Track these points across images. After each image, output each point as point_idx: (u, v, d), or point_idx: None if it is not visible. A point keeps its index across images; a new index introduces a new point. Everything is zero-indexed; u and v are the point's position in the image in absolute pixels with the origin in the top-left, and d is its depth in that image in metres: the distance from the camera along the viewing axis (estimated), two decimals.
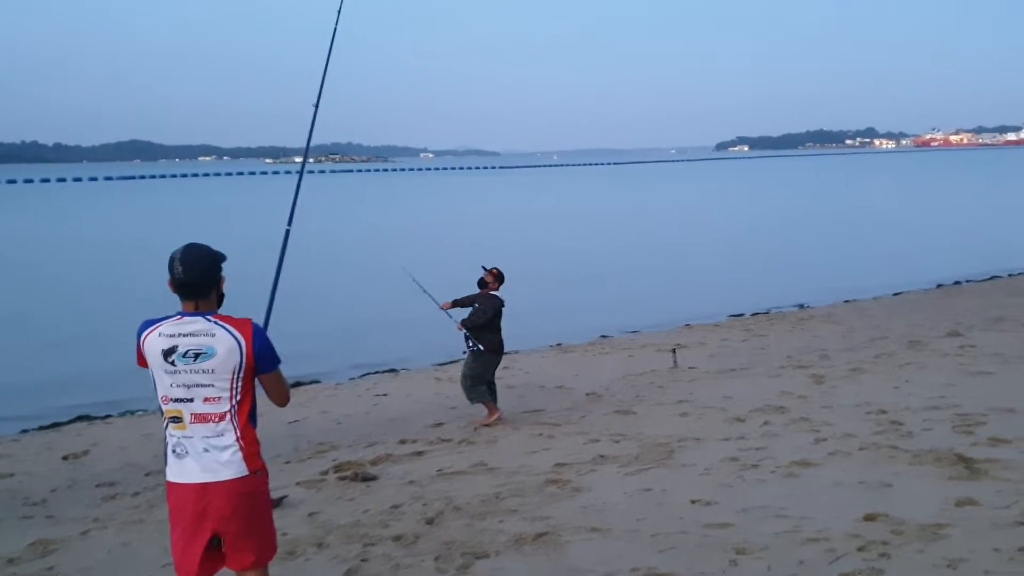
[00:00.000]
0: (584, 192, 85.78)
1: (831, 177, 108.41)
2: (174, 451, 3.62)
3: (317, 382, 13.64)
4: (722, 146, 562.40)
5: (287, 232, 7.02)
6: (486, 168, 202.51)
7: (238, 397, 3.59)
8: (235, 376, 3.55)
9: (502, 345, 9.56)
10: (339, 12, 7.91)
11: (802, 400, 9.15)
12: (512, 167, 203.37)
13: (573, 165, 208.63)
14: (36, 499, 7.76)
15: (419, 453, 8.14)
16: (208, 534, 3.55)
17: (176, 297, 3.64)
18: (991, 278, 22.74)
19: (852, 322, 15.90)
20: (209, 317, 3.57)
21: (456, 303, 9.54)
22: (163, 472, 3.72)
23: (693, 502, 5.98)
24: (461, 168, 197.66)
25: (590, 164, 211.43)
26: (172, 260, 3.56)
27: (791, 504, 5.80)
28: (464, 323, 9.34)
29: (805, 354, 12.36)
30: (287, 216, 7.29)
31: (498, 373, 12.62)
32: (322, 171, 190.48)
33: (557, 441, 8.19)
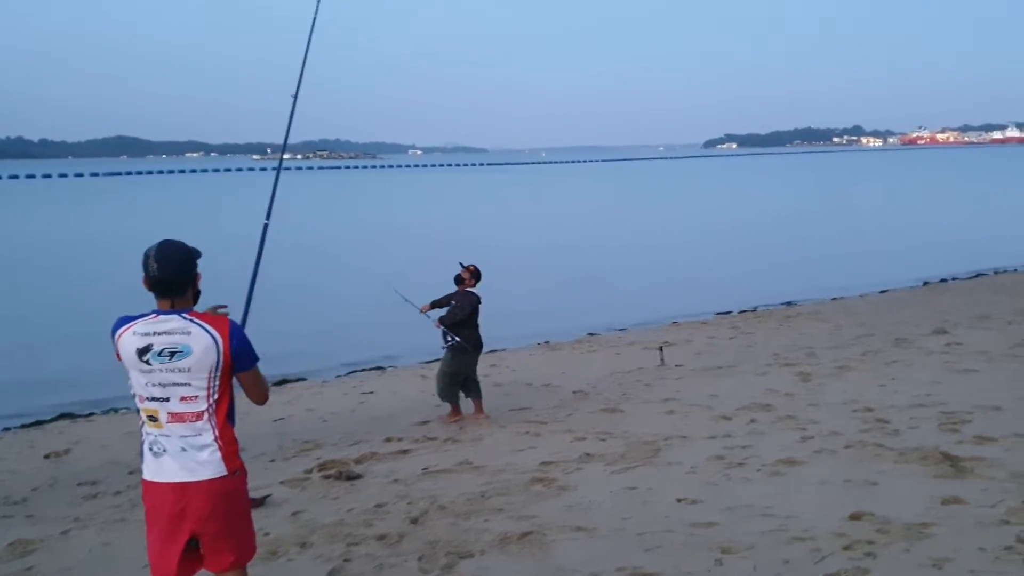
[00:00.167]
0: (572, 190, 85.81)
1: (818, 175, 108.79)
2: (151, 449, 3.55)
3: (303, 379, 13.58)
4: (710, 143, 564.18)
5: (265, 226, 6.95)
6: (474, 165, 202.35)
7: (215, 396, 3.52)
8: (212, 375, 3.49)
9: (480, 341, 9.56)
10: (318, 4, 7.85)
11: (788, 398, 9.13)
12: (500, 164, 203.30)
13: (561, 162, 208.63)
14: (17, 498, 7.68)
15: (404, 451, 8.09)
16: (186, 535, 3.49)
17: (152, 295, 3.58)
18: (977, 275, 22.85)
19: (839, 320, 15.93)
20: (185, 315, 3.51)
21: (435, 304, 9.56)
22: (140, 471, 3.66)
23: (679, 501, 5.95)
24: (449, 165, 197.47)
25: (578, 161, 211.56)
26: (146, 258, 3.49)
27: (777, 503, 5.77)
28: (442, 320, 9.36)
29: (792, 352, 12.36)
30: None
31: (485, 371, 12.62)
32: (310, 167, 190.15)
33: (543, 439, 8.15)
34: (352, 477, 7.19)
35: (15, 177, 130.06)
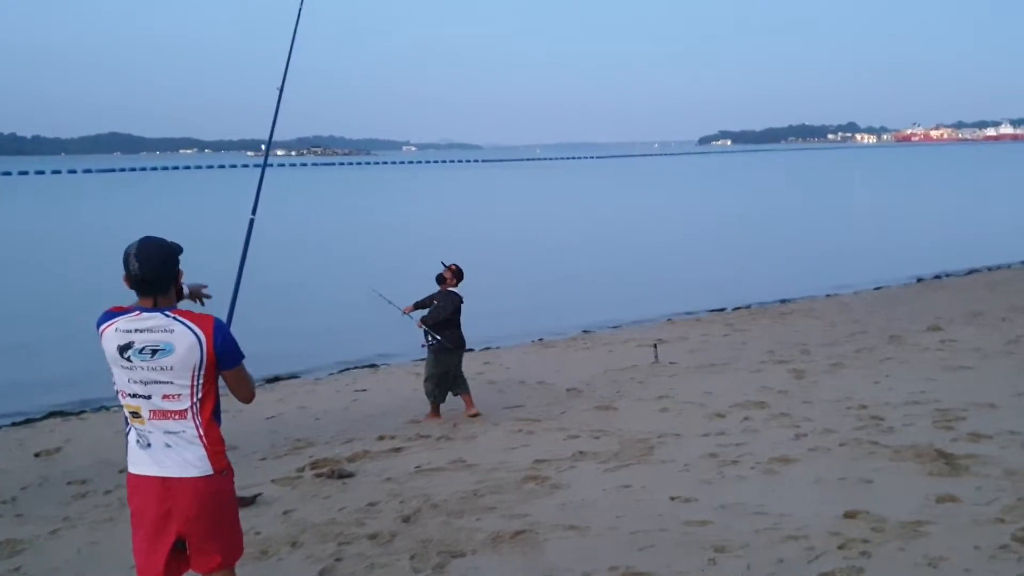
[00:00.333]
0: (566, 186, 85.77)
1: (813, 172, 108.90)
2: (137, 442, 3.51)
3: (296, 377, 13.53)
4: (705, 140, 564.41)
5: (251, 221, 6.89)
6: (468, 161, 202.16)
7: (199, 395, 3.47)
8: (196, 373, 3.44)
9: (463, 340, 9.56)
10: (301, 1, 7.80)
11: (782, 395, 9.11)
12: (494, 160, 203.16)
13: (555, 159, 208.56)
14: (6, 497, 7.62)
15: (397, 449, 8.05)
16: (172, 537, 3.44)
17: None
18: (971, 272, 22.87)
19: (833, 317, 15.93)
20: (167, 313, 3.45)
21: (417, 305, 9.56)
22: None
23: (672, 499, 5.92)
24: (443, 161, 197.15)
25: (573, 158, 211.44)
26: (127, 256, 3.43)
27: (771, 501, 5.74)
28: (424, 321, 9.35)
29: (786, 349, 12.35)
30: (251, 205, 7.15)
31: (479, 368, 12.61)
32: (303, 164, 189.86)
33: (537, 437, 8.11)
34: (344, 475, 7.14)
35: (7, 174, 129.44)
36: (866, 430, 7.39)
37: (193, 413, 3.47)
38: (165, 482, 3.45)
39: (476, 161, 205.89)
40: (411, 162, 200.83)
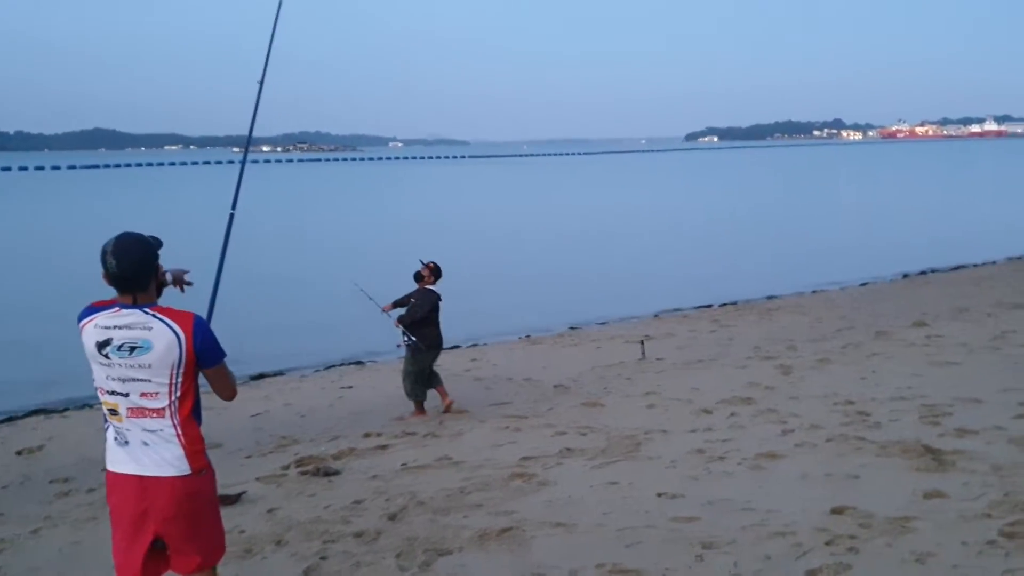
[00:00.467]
0: (554, 183, 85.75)
1: (799, 168, 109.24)
2: (115, 439, 3.46)
3: (281, 374, 13.47)
4: (692, 136, 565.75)
5: (231, 216, 6.82)
6: (455, 158, 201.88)
7: (178, 393, 3.41)
8: (174, 371, 3.38)
9: (440, 339, 9.52)
10: None
11: (769, 391, 9.10)
12: (482, 157, 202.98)
13: (543, 155, 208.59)
14: None
15: (383, 447, 8.00)
16: (150, 536, 3.39)
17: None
18: (956, 268, 22.97)
19: (819, 312, 15.95)
20: (147, 309, 3.39)
21: (396, 303, 9.51)
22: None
23: (659, 495, 5.89)
24: (430, 158, 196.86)
25: (560, 154, 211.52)
26: (104, 253, 3.36)
27: (758, 497, 5.73)
28: (401, 320, 9.30)
29: (772, 345, 12.35)
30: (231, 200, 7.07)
31: (466, 365, 12.59)
32: (289, 160, 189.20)
33: (524, 434, 8.08)
34: (330, 473, 7.09)
35: None
36: (853, 426, 7.38)
37: (171, 412, 3.41)
38: (142, 481, 3.40)
39: (463, 157, 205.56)
40: (397, 158, 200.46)
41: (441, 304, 9.48)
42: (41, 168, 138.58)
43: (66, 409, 11.59)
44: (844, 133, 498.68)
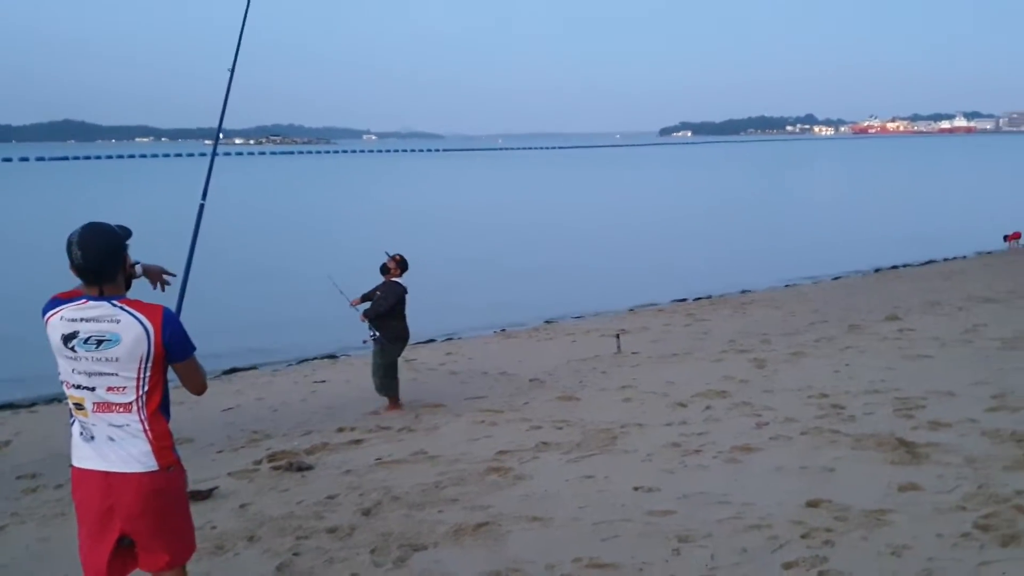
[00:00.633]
0: (528, 177, 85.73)
1: (772, 163, 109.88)
2: (81, 434, 3.37)
3: (254, 368, 13.33)
4: (666, 131, 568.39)
5: (201, 206, 6.71)
6: (430, 151, 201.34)
7: (146, 387, 3.32)
8: (143, 365, 3.29)
9: (407, 332, 9.45)
10: None
11: (744, 384, 9.12)
12: (456, 150, 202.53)
13: (518, 149, 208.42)
14: None
15: (357, 441, 7.92)
16: (115, 534, 3.30)
17: None
18: (928, 262, 23.18)
19: (792, 306, 16.03)
20: (115, 302, 3.29)
21: (364, 297, 9.43)
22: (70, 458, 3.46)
23: (636, 489, 5.87)
24: (404, 151, 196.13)
25: (535, 148, 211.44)
26: (69, 244, 3.25)
27: (733, 490, 5.72)
28: (367, 314, 9.22)
29: (746, 338, 12.39)
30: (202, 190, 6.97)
31: (441, 359, 12.54)
32: (262, 152, 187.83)
33: (499, 428, 8.04)
34: (303, 468, 7.01)
35: None
36: (827, 419, 7.40)
37: (139, 407, 3.32)
38: (108, 477, 3.31)
39: (438, 151, 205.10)
40: (371, 151, 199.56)
41: (408, 297, 9.40)
42: (9, 160, 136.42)
43: (34, 404, 11.42)
44: (816, 129, 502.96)
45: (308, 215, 42.62)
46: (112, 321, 3.26)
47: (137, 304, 3.32)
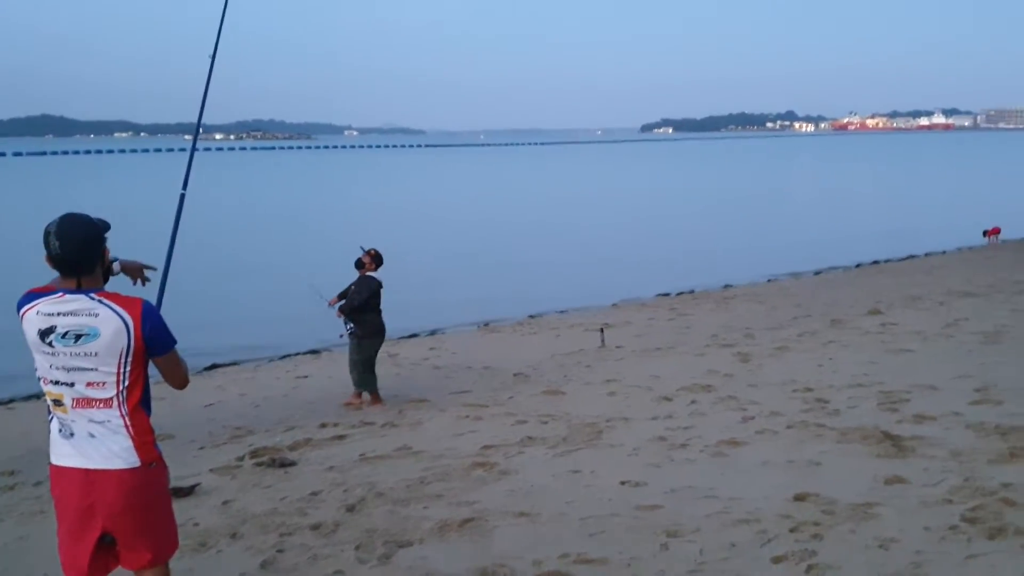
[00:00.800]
0: (511, 172, 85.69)
1: (753, 159, 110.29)
2: (60, 431, 3.30)
3: (236, 363, 13.21)
4: (647, 128, 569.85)
5: (182, 196, 6.62)
6: (412, 147, 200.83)
7: (126, 382, 3.25)
8: (122, 360, 3.21)
9: (383, 327, 9.40)
10: None
11: (728, 378, 9.12)
12: (438, 146, 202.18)
13: (500, 145, 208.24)
14: None
15: (340, 437, 7.85)
16: (97, 532, 3.23)
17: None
18: (908, 257, 23.31)
19: (775, 301, 16.06)
20: (93, 295, 3.22)
21: (341, 295, 9.37)
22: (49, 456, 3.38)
23: (622, 484, 5.84)
24: (386, 146, 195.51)
25: (516, 144, 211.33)
26: (47, 234, 3.17)
27: (720, 484, 5.70)
28: (342, 308, 9.17)
29: (730, 332, 12.39)
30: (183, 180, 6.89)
31: (424, 354, 12.47)
32: (243, 148, 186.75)
33: (484, 423, 7.99)
34: (286, 464, 6.93)
35: None
36: (812, 413, 7.41)
37: (119, 402, 3.25)
38: (88, 474, 3.23)
39: (419, 146, 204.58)
40: (353, 147, 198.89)
41: (383, 292, 9.35)
42: None
43: (12, 400, 11.27)
44: (797, 125, 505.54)
45: (289, 211, 42.37)
46: (90, 315, 3.18)
47: (116, 297, 3.24)
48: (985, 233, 25.89)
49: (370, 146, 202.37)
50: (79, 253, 3.19)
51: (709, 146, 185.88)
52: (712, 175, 74.55)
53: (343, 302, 9.31)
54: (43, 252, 3.21)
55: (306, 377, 11.44)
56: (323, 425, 8.41)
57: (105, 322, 3.18)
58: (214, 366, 12.84)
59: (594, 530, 5.05)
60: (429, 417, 8.45)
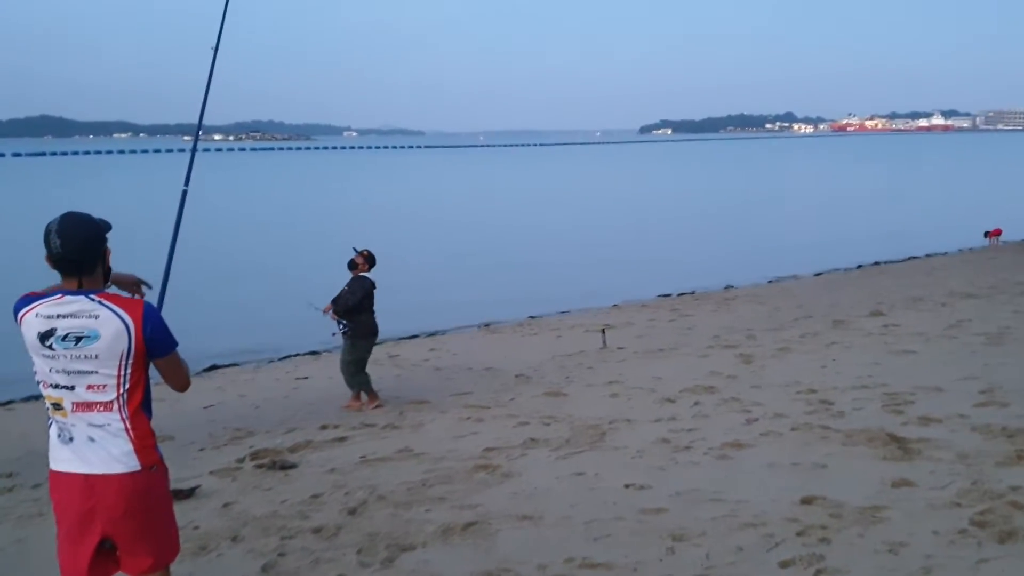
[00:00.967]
0: (510, 173, 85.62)
1: (752, 160, 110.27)
2: (59, 436, 3.23)
3: (235, 364, 13.15)
4: (646, 129, 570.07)
5: (184, 193, 6.56)
6: (411, 148, 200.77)
7: (127, 385, 3.19)
8: (123, 362, 3.15)
9: (376, 327, 9.37)
10: None
11: (731, 380, 9.06)
12: (438, 147, 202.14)
13: (500, 146, 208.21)
14: None
15: (341, 439, 7.80)
16: (97, 536, 3.17)
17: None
18: (909, 258, 23.25)
19: (776, 302, 16.00)
20: (93, 296, 3.16)
21: (334, 301, 9.32)
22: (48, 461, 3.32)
23: (627, 487, 5.79)
24: (385, 147, 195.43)
25: (516, 145, 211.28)
26: (48, 232, 3.12)
27: (726, 487, 5.65)
28: (337, 310, 9.13)
29: (732, 334, 12.33)
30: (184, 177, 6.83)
31: (424, 355, 12.41)
32: (242, 149, 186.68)
33: (486, 425, 7.94)
34: (286, 466, 6.88)
35: None
36: (817, 414, 7.36)
37: (120, 405, 3.19)
38: (88, 479, 3.17)
39: (418, 147, 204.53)
40: (352, 147, 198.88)
41: (376, 292, 9.31)
42: None
43: (11, 401, 11.19)
44: (796, 126, 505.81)
45: (289, 212, 42.33)
46: (91, 316, 3.12)
47: (116, 299, 3.19)
48: (986, 234, 25.85)
49: (369, 147, 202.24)
50: (80, 252, 3.14)
51: (708, 147, 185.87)
52: (711, 176, 74.50)
53: (335, 305, 9.28)
54: (43, 252, 3.15)
55: (306, 378, 11.38)
56: (324, 427, 8.36)
57: (105, 324, 3.12)
58: (214, 367, 12.78)
59: (599, 534, 5.00)
60: (430, 419, 8.39)
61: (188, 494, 6.18)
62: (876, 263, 22.56)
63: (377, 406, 9.17)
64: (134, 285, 3.73)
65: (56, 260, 3.15)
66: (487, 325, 15.43)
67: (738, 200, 46.40)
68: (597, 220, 36.10)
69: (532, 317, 16.22)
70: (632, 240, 29.12)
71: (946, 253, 24.15)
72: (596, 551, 4.75)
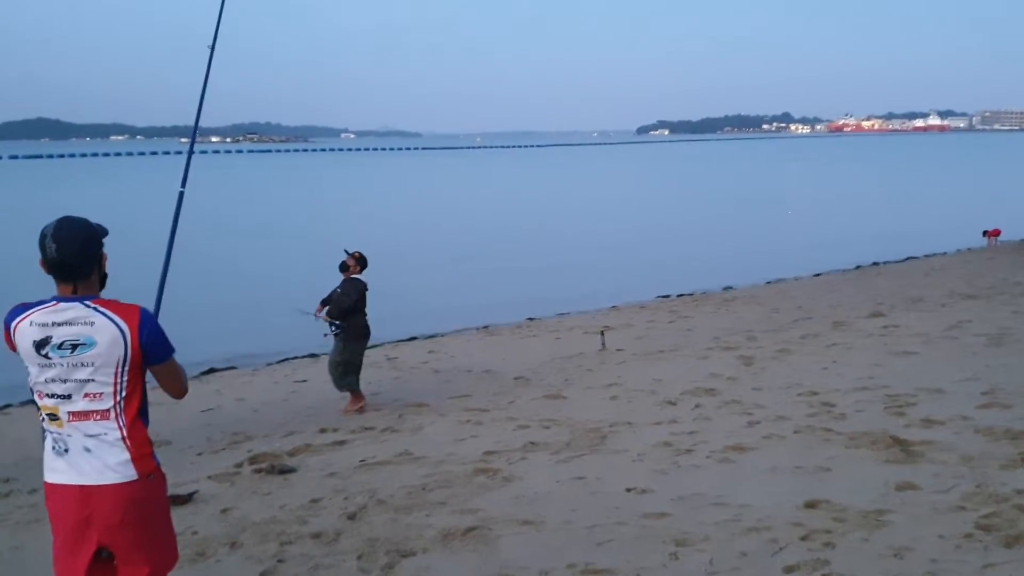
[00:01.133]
0: (508, 175, 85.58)
1: (749, 161, 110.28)
2: (53, 448, 3.18)
3: (233, 368, 13.09)
4: (643, 130, 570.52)
5: (180, 194, 6.52)
6: (408, 149, 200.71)
7: (124, 392, 3.13)
8: (119, 369, 3.10)
9: (368, 329, 9.34)
10: None
11: (732, 382, 9.02)
12: (435, 148, 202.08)
13: (497, 147, 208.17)
14: None
15: (340, 443, 7.75)
16: (93, 546, 3.11)
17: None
18: (908, 259, 23.23)
19: (776, 303, 15.97)
20: (88, 302, 3.10)
21: (324, 302, 9.29)
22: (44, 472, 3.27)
23: (628, 491, 5.74)
24: (383, 149, 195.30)
25: (514, 146, 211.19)
26: (43, 237, 3.06)
27: (729, 491, 5.60)
28: (330, 313, 9.09)
29: (731, 335, 12.29)
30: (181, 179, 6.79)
31: (423, 357, 12.36)
32: (239, 151, 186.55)
33: (485, 428, 7.89)
34: (285, 471, 6.83)
35: None
36: (818, 417, 7.31)
37: (116, 413, 3.13)
38: (84, 490, 3.11)
39: (416, 149, 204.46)
40: (350, 149, 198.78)
41: (368, 294, 9.27)
42: None
43: (8, 406, 11.13)
44: (793, 127, 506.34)
45: (286, 214, 42.26)
46: (86, 323, 3.06)
47: (112, 304, 3.13)
48: (985, 234, 25.83)
49: (366, 149, 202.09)
50: (76, 257, 3.08)
51: (705, 148, 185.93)
52: (709, 177, 74.49)
53: (329, 307, 9.24)
54: (39, 257, 3.10)
55: (304, 381, 11.33)
56: (322, 430, 8.31)
57: (101, 330, 3.07)
58: (211, 371, 12.73)
59: (601, 539, 4.95)
60: (430, 422, 8.34)
61: (186, 499, 6.13)
62: (875, 264, 22.54)
63: (360, 408, 9.14)
64: None
65: (51, 265, 3.09)
66: (486, 327, 15.38)
67: (736, 201, 46.37)
68: (595, 221, 36.07)
69: (531, 319, 16.18)
70: (631, 241, 29.08)
71: (945, 253, 24.14)
72: (599, 556, 4.70)
